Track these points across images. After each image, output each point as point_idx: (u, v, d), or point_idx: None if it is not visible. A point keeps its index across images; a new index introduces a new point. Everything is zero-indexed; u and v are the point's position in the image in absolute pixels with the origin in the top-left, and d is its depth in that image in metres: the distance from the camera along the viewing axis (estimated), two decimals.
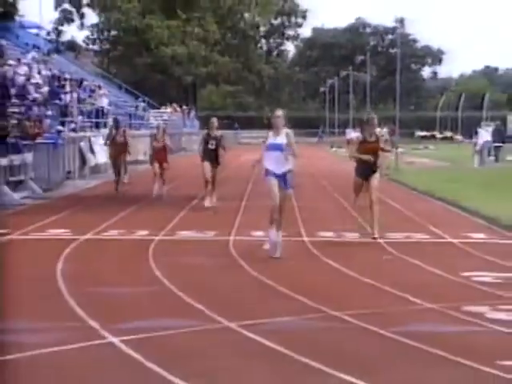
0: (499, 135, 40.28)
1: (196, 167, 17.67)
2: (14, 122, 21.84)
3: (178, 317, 7.45)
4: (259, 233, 12.82)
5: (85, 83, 37.82)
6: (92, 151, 29.05)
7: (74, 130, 29.05)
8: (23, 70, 29.94)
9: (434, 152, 54.48)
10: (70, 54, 32.31)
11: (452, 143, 79.34)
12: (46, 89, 29.27)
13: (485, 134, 38.60)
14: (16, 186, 20.26)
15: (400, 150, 34.42)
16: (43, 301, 8.21)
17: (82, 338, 6.58)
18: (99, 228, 13.84)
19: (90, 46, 74.74)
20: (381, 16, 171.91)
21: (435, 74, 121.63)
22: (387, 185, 12.06)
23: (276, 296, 8.47)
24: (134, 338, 6.60)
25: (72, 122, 29.56)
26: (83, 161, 28.49)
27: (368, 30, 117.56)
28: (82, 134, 29.53)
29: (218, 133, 17.24)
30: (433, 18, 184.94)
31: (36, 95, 27.35)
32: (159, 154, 19.01)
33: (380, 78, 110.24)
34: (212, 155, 17.03)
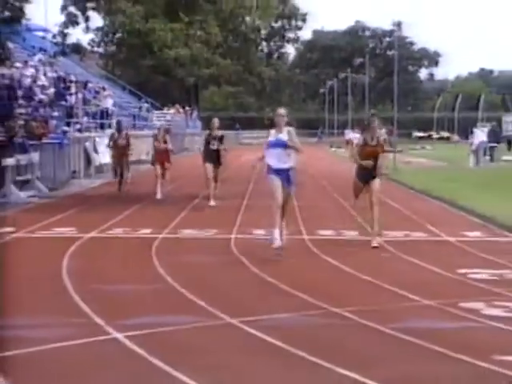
0: (494, 136, 40.30)
1: (198, 167, 17.66)
2: (21, 122, 21.84)
3: (180, 313, 7.44)
4: (260, 231, 12.82)
5: (90, 85, 37.86)
6: (97, 151, 29.06)
7: (79, 131, 29.08)
8: (30, 72, 29.99)
9: (431, 152, 54.45)
10: (75, 57, 32.23)
11: (448, 143, 79.38)
12: (52, 90, 29.30)
13: (480, 135, 38.58)
14: (23, 185, 20.27)
15: (399, 149, 34.42)
16: (49, 297, 8.20)
17: (88, 334, 6.58)
18: (104, 226, 13.84)
19: (95, 49, 74.56)
20: (379, 19, 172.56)
21: (432, 75, 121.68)
22: (386, 184, 12.05)
23: (277, 293, 8.46)
24: (138, 334, 6.59)
25: (77, 122, 29.59)
26: (88, 160, 28.51)
27: (367, 32, 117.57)
28: (87, 134, 29.55)
29: (219, 133, 17.19)
30: (429, 21, 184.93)
31: (42, 96, 27.37)
32: (161, 155, 18.88)
33: (378, 80, 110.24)
34: (214, 156, 16.98)
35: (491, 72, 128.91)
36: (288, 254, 10.72)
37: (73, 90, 32.43)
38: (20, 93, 25.54)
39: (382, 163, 12.11)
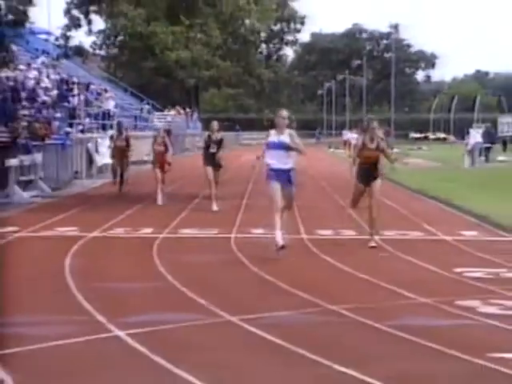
0: (489, 136, 40.37)
1: (198, 168, 17.63)
2: (25, 123, 21.85)
3: (181, 311, 7.44)
4: (260, 230, 12.82)
5: (92, 87, 37.87)
6: (98, 152, 29.06)
7: (81, 132, 29.09)
8: (33, 74, 30.03)
9: (428, 153, 54.43)
10: (77, 59, 32.28)
11: (444, 144, 79.36)
12: (54, 92, 29.33)
13: (476, 135, 38.62)
14: (26, 185, 20.28)
15: (395, 150, 34.40)
16: (52, 296, 8.20)
17: (89, 332, 6.57)
18: (105, 226, 13.84)
19: (97, 51, 74.68)
20: (376, 22, 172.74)
21: (428, 77, 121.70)
22: (383, 184, 12.03)
23: (276, 291, 8.46)
24: (140, 332, 6.59)
25: (80, 123, 29.60)
26: (90, 161, 28.51)
27: (364, 35, 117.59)
28: (89, 135, 29.56)
29: (219, 135, 16.86)
30: (426, 23, 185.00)
31: (45, 98, 27.40)
32: (160, 158, 18.47)
33: (375, 82, 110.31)
34: (213, 159, 16.70)
35: (487, 74, 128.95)
36: (287, 253, 10.70)
37: (75, 91, 32.45)
38: (23, 95, 25.56)
39: (383, 164, 11.93)
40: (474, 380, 5.56)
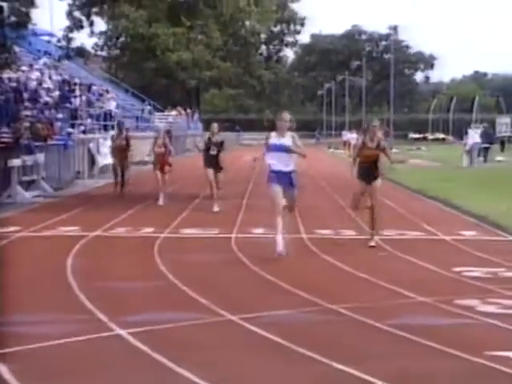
0: (487, 137, 40.36)
1: (199, 168, 17.59)
2: (27, 124, 21.85)
3: (182, 310, 7.44)
4: (260, 230, 12.82)
5: (93, 87, 37.88)
6: (100, 152, 29.06)
7: (83, 132, 29.09)
8: (35, 75, 30.04)
9: (426, 153, 54.44)
10: (79, 60, 32.27)
11: (443, 144, 79.36)
12: (56, 93, 29.33)
13: (474, 136, 38.63)
14: (28, 185, 20.28)
15: (394, 150, 34.42)
16: (53, 295, 8.19)
17: (91, 331, 6.57)
18: (107, 225, 13.83)
19: (99, 52, 74.78)
20: (376, 23, 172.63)
21: (427, 78, 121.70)
22: (384, 184, 12.05)
23: (276, 291, 8.45)
24: (141, 331, 6.59)
25: (81, 124, 29.60)
26: (92, 161, 28.51)
27: (363, 36, 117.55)
28: (90, 135, 29.56)
29: (219, 137, 16.60)
30: (425, 25, 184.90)
31: (47, 99, 27.40)
32: (161, 159, 18.34)
33: (375, 83, 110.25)
34: (213, 161, 16.47)
35: (485, 75, 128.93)
36: (287, 252, 10.69)
37: (77, 92, 32.46)
38: (26, 95, 25.57)
39: (383, 164, 11.87)
40: (473, 378, 5.55)
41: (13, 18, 21.42)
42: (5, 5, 21.26)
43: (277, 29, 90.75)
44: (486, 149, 39.56)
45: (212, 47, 57.90)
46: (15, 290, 8.19)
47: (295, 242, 11.80)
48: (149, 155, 19.38)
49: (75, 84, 33.96)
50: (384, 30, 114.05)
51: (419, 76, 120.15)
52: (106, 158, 28.84)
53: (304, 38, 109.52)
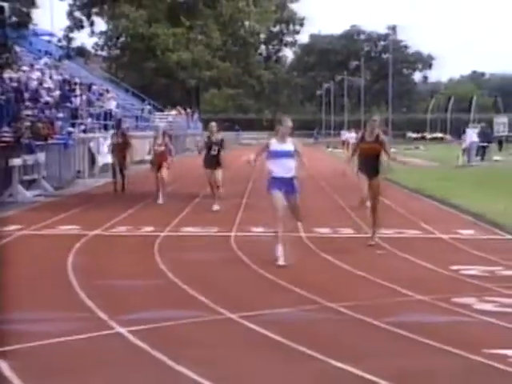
0: (484, 136, 40.40)
1: (199, 168, 17.57)
2: (28, 124, 21.84)
3: (182, 308, 7.44)
4: (260, 229, 12.83)
5: (94, 87, 37.86)
6: (100, 152, 29.05)
7: (83, 132, 29.07)
8: (36, 75, 30.01)
9: (424, 152, 54.41)
10: (80, 60, 32.26)
11: (441, 143, 79.36)
12: (57, 92, 29.31)
13: (473, 135, 38.66)
14: (29, 184, 20.27)
15: (392, 150, 34.34)
16: (54, 293, 8.19)
17: (91, 329, 6.57)
18: (107, 224, 13.83)
19: (99, 52, 74.74)
20: (374, 23, 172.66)
21: (425, 78, 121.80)
22: (382, 184, 12.06)
23: (275, 289, 8.46)
24: (141, 329, 6.59)
25: (82, 123, 29.58)
26: (92, 160, 28.49)
27: (362, 36, 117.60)
28: (91, 135, 29.54)
29: (219, 136, 16.50)
30: (423, 25, 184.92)
31: (48, 99, 27.38)
32: (160, 158, 18.28)
33: (373, 82, 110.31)
34: (213, 161, 16.33)
35: (483, 75, 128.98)
36: (289, 252, 10.69)
37: (77, 92, 32.44)
38: (26, 95, 25.55)
39: (385, 160, 11.83)
40: (471, 376, 5.56)
41: (14, 18, 21.41)
42: (6, 5, 21.25)
43: (276, 29, 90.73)
44: (484, 148, 39.60)
45: (211, 47, 57.89)
46: (16, 288, 8.19)
47: (294, 241, 11.80)
48: (149, 154, 19.36)
49: (75, 84, 33.95)
50: (382, 30, 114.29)
51: (417, 76, 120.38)
52: (106, 158, 28.85)
53: (303, 38, 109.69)
